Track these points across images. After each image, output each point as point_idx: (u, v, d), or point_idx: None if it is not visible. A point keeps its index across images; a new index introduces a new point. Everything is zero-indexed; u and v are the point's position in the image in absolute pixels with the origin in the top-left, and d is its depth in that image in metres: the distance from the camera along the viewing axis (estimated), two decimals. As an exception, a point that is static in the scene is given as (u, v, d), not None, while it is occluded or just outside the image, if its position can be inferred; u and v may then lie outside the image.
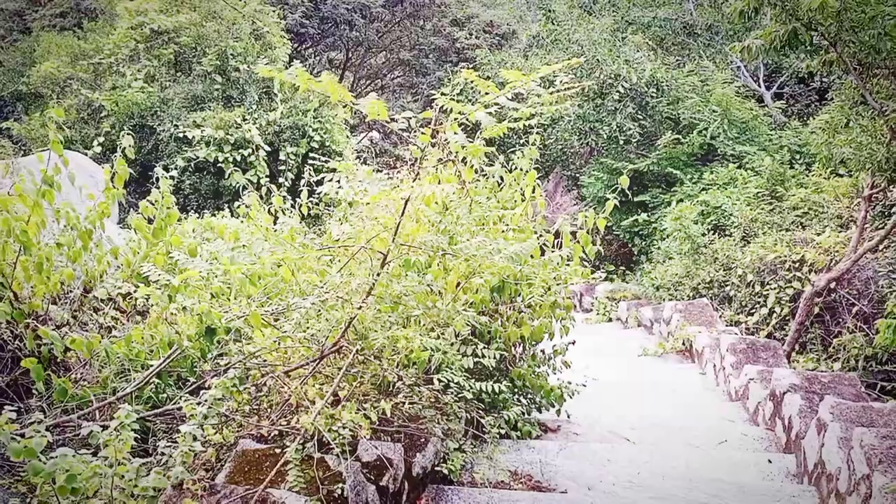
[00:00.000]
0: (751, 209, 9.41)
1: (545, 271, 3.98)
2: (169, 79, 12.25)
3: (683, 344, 6.87)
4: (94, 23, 13.75)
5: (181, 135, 10.82)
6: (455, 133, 3.59)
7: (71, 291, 4.19)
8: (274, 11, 14.30)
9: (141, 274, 3.92)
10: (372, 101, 3.40)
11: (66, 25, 15.00)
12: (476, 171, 4.56)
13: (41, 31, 14.65)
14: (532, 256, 4.03)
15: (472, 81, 3.09)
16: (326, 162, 4.29)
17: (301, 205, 5.46)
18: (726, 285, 8.25)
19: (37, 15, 16.08)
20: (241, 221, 5.50)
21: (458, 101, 3.49)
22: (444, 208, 3.81)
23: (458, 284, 3.80)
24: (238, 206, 5.14)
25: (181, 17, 11.94)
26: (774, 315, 7.37)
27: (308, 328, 3.18)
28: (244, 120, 11.58)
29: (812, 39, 6.41)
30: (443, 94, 3.12)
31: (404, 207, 2.93)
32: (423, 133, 3.54)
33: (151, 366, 3.15)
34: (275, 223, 5.29)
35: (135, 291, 3.32)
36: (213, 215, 6.99)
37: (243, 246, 3.94)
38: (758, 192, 9.89)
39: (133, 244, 4.78)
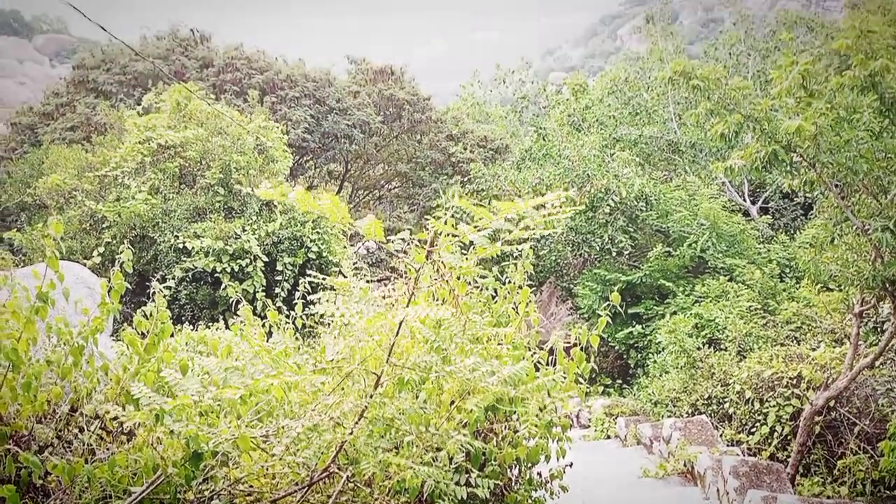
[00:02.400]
0: (744, 323, 9.44)
1: (540, 394, 3.94)
2: (172, 191, 12.58)
3: (685, 465, 6.66)
4: (103, 137, 14.30)
5: (181, 245, 10.97)
6: (449, 253, 3.66)
7: (58, 409, 4.09)
8: (277, 127, 14.92)
9: (130, 392, 3.86)
10: (369, 222, 3.49)
11: (75, 139, 15.59)
12: (469, 283, 4.61)
13: (51, 143, 15.21)
14: (527, 375, 4.00)
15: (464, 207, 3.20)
16: (323, 279, 4.34)
17: (296, 318, 5.46)
18: (725, 402, 8.12)
19: (48, 129, 16.74)
20: (236, 336, 5.47)
21: (452, 218, 3.58)
22: (438, 325, 3.82)
23: (452, 402, 3.74)
24: (233, 323, 5.14)
25: (188, 132, 12.44)
26: (776, 434, 7.21)
27: (298, 450, 3.09)
28: (244, 230, 11.79)
29: (792, 160, 6.70)
30: (436, 217, 3.23)
31: (398, 329, 2.94)
32: (417, 253, 3.61)
33: (133, 492, 3.03)
34: (268, 338, 5.27)
35: (122, 414, 3.25)
36: (208, 327, 6.96)
37: (236, 367, 3.91)
38: (750, 306, 9.96)
39: (124, 359, 4.74)
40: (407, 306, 3.33)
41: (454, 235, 3.48)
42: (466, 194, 16.88)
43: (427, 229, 3.45)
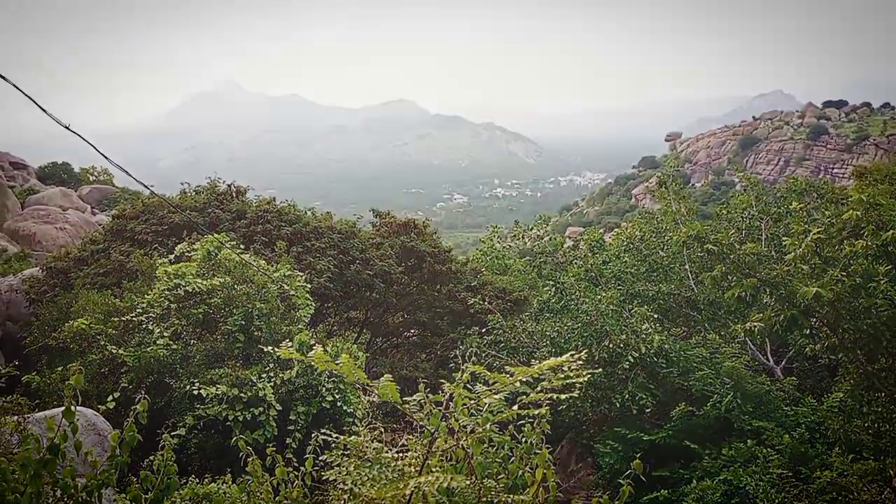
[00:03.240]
0: (776, 491, 8.89)
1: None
2: (194, 336, 12.70)
3: None
4: (133, 283, 14.73)
5: (195, 391, 10.88)
6: (464, 415, 3.61)
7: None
8: (301, 276, 15.30)
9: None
10: (385, 383, 3.48)
11: (106, 283, 16.08)
12: (484, 442, 4.48)
13: (82, 288, 15.67)
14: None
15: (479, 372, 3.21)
16: (336, 437, 4.26)
17: (306, 474, 5.31)
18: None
19: (81, 273, 17.33)
20: (242, 494, 5.29)
21: (469, 375, 3.56)
22: (452, 494, 3.67)
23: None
24: (240, 481, 4.99)
25: (216, 280, 12.80)
26: None
27: None
28: (259, 378, 11.70)
29: (812, 325, 6.66)
30: (450, 384, 3.22)
31: (409, 500, 2.84)
32: (433, 416, 3.56)
33: None
34: (275, 495, 5.09)
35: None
36: (214, 480, 6.72)
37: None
38: (781, 473, 9.43)
39: (126, 518, 4.57)
40: (420, 472, 3.24)
41: (469, 398, 3.46)
42: (484, 345, 16.79)
43: (443, 391, 3.44)
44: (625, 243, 20.19)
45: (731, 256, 6.90)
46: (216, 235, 14.52)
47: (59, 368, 10.82)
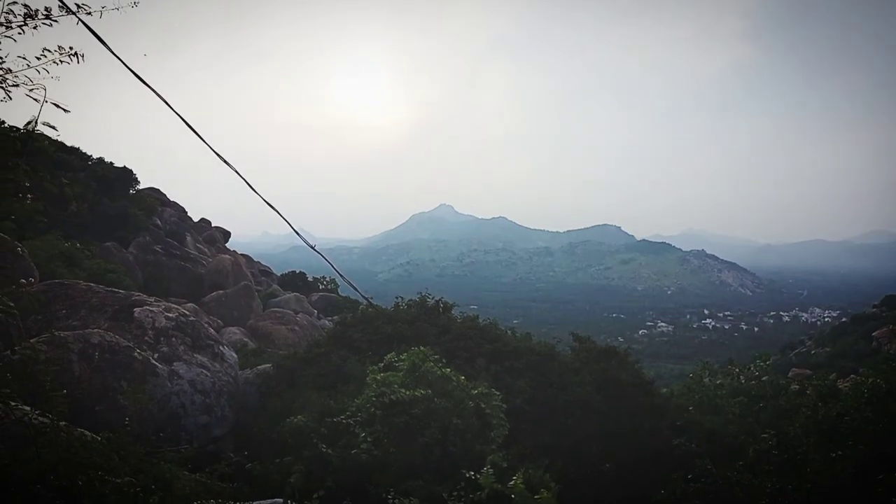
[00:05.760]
0: None
1: None
2: (393, 444, 13.14)
3: None
4: (347, 386, 15.83)
5: (390, 501, 11.10)
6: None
7: None
8: (498, 395, 15.32)
9: None
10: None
11: (324, 385, 17.45)
12: None
13: (304, 386, 17.17)
14: None
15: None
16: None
17: None
18: None
19: (305, 372, 19.04)
20: None
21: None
22: None
23: None
24: None
25: (418, 391, 13.31)
26: None
27: None
28: (450, 497, 11.64)
29: None
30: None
31: None
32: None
33: None
34: None
35: None
36: None
37: None
38: None
39: None
40: None
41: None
42: (690, 493, 15.14)
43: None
44: (866, 394, 17.40)
45: None
46: (422, 348, 15.25)
47: (277, 461, 11.75)
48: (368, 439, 12.66)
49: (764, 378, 26.46)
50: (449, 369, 15.23)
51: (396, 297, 25.12)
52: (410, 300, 24.24)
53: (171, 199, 57.42)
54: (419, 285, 30.77)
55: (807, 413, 16.23)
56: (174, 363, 15.78)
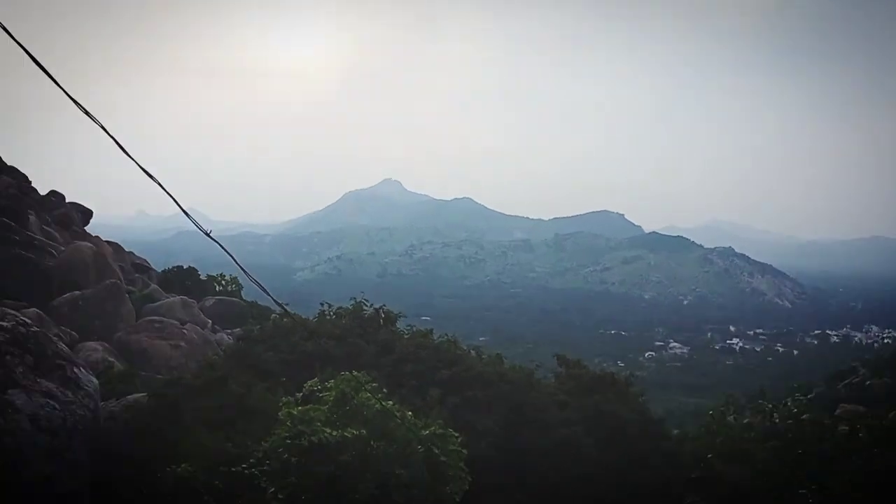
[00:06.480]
0: None
1: None
2: (313, 502, 13.06)
3: None
4: (251, 423, 15.68)
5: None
6: None
7: None
8: (457, 437, 15.39)
9: None
10: None
11: (219, 421, 17.22)
12: None
13: (192, 423, 16.93)
14: None
15: None
16: None
17: None
18: None
19: (192, 405, 18.80)
20: None
21: None
22: None
23: None
24: None
25: (348, 432, 13.26)
26: None
27: None
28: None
29: None
30: None
31: None
32: None
33: None
34: None
35: None
36: None
37: None
38: None
39: None
40: None
41: None
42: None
43: None
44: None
45: None
46: (355, 373, 15.20)
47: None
48: (280, 496, 12.56)
49: (804, 417, 27.24)
50: (392, 402, 15.23)
51: (322, 304, 24.96)
52: (341, 308, 24.12)
53: (7, 163, 55.70)
54: (353, 288, 30.62)
55: (858, 463, 16.77)
56: (8, 390, 15.36)
